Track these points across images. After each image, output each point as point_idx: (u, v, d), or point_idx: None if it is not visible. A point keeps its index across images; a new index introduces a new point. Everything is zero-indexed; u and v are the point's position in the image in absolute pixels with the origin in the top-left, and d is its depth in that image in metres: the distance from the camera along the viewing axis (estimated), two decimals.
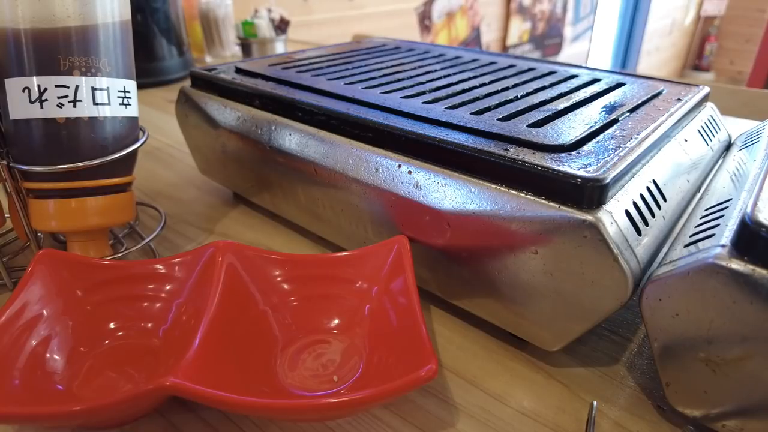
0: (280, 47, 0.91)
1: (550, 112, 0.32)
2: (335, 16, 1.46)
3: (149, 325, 0.29)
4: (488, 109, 0.33)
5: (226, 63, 0.46)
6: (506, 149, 0.27)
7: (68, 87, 0.32)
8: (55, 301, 0.29)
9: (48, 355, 0.27)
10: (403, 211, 0.30)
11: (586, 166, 0.25)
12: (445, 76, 0.41)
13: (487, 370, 0.29)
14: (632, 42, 2.93)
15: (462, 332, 0.32)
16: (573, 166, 0.25)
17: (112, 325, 0.29)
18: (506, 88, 0.38)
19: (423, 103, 0.34)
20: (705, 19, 3.26)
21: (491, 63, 0.45)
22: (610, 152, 0.27)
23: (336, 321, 0.29)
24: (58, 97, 0.32)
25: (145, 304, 0.29)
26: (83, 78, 0.32)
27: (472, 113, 0.32)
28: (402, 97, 0.36)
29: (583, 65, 0.45)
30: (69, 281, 0.30)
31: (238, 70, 0.44)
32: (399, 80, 0.40)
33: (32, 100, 0.32)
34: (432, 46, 0.53)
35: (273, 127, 0.37)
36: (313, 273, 0.30)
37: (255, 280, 0.29)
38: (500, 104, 0.34)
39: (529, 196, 0.25)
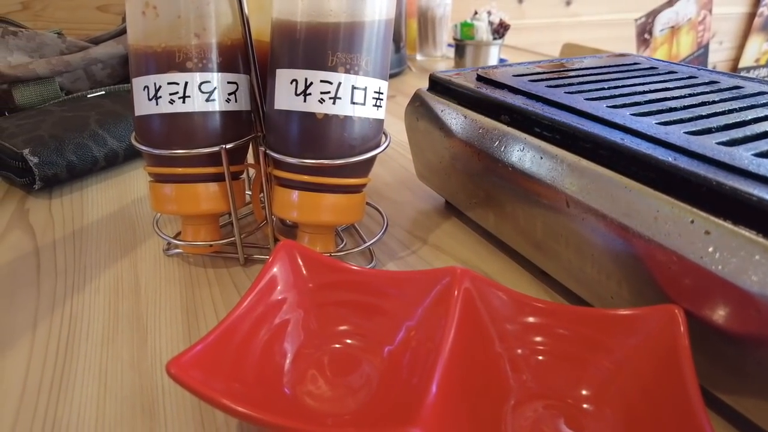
0: (494, 52, 0.88)
1: None
2: (548, 21, 1.39)
3: (375, 339, 0.28)
4: None
5: (463, 69, 0.44)
6: None
7: (331, 83, 0.32)
8: (291, 291, 0.29)
9: (279, 347, 0.27)
10: (686, 278, 0.24)
11: None
12: (729, 112, 0.34)
13: None
14: None
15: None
16: None
17: (339, 329, 0.29)
18: None
19: (717, 143, 0.28)
20: None
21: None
22: None
23: (582, 391, 0.24)
24: (321, 93, 0.32)
25: (373, 315, 0.28)
26: (344, 75, 0.32)
27: None
28: (686, 133, 0.30)
29: None
30: (304, 275, 0.30)
31: (480, 78, 0.41)
32: (672, 110, 0.34)
33: (297, 92, 0.32)
34: (696, 70, 0.45)
35: (520, 147, 0.33)
36: (561, 326, 0.26)
37: (492, 318, 0.26)
38: None
39: None
